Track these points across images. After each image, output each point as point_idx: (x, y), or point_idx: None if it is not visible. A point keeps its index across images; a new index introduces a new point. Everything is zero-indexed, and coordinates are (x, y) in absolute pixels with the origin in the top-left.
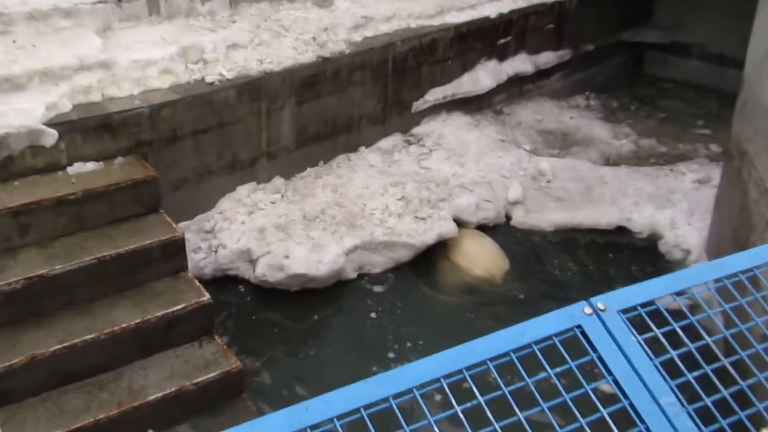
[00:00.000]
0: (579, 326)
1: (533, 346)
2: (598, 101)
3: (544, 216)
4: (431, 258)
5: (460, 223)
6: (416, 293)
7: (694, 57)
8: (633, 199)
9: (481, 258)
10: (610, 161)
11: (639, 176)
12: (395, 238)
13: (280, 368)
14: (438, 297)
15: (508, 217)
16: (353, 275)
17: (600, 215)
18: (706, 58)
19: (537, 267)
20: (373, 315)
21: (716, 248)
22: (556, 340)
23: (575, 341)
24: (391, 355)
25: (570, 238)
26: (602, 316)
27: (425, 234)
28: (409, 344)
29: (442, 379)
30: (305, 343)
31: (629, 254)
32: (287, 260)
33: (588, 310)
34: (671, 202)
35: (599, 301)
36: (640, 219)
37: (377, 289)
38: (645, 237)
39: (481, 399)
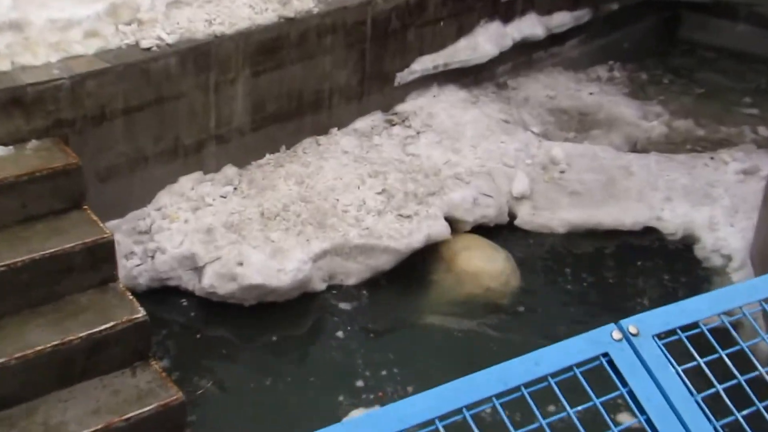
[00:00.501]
0: (606, 354)
1: (549, 379)
2: (623, 73)
3: (557, 214)
4: (418, 266)
5: (453, 223)
6: (398, 310)
7: (741, 20)
8: (664, 193)
9: (480, 266)
10: (638, 147)
11: (672, 166)
12: (374, 241)
13: (229, 400)
14: (425, 315)
15: (512, 216)
16: (322, 287)
17: (624, 213)
18: (755, 22)
19: (549, 278)
20: (341, 335)
21: (763, 254)
22: (577, 371)
23: (600, 373)
24: (359, 383)
25: (588, 242)
26: (634, 342)
27: (411, 236)
28: (383, 372)
29: (437, 421)
30: (261, 369)
31: (659, 261)
32: (241, 268)
33: (617, 334)
34: (710, 198)
35: (630, 324)
36: (673, 218)
37: (350, 304)
38: (678, 240)
39: None
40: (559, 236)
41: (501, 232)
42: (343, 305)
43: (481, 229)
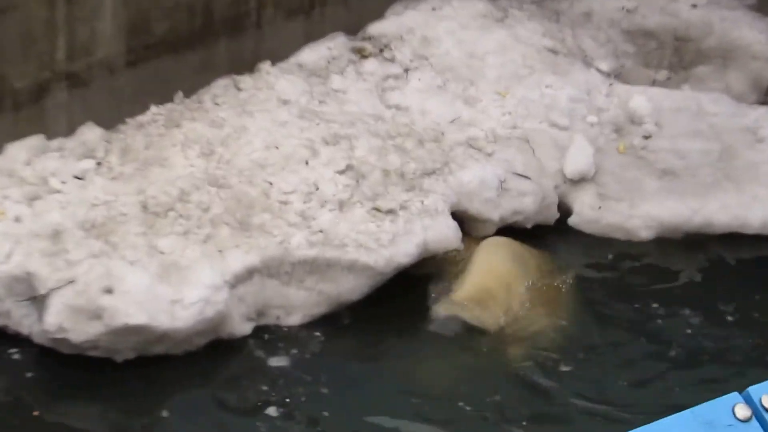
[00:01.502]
0: None
1: None
2: None
3: (638, 207)
4: (406, 296)
5: (467, 222)
6: (373, 370)
7: None
8: None
9: (510, 295)
10: None
11: None
12: (332, 252)
13: None
14: (419, 380)
15: (565, 211)
16: (245, 329)
17: (749, 206)
18: None
19: (624, 313)
20: (274, 413)
21: None
22: None
23: None
24: None
25: (690, 254)
26: None
27: (394, 244)
28: None
29: None
30: None
31: None
32: (109, 298)
33: (742, 410)
34: None
35: (765, 394)
36: None
37: (291, 359)
38: None
39: None
40: (643, 245)
41: (545, 237)
42: (280, 361)
43: (514, 233)
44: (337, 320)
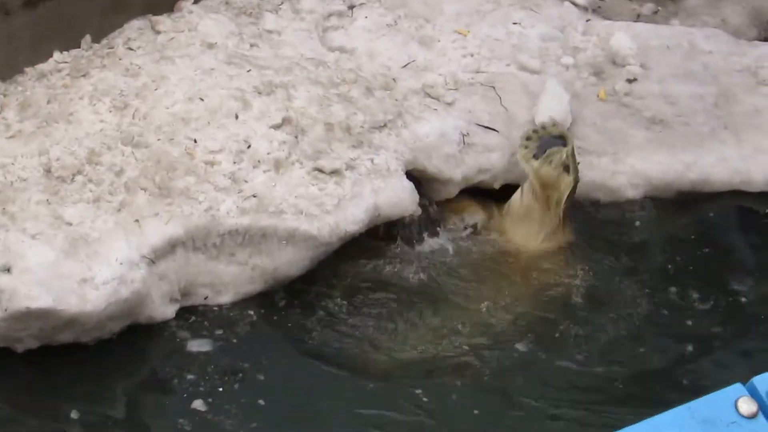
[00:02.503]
0: None
1: None
2: None
3: (623, 162)
4: (356, 270)
5: (425, 183)
6: (318, 354)
7: None
8: None
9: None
10: None
11: None
12: (268, 219)
13: None
14: (361, 359)
15: None
16: (168, 311)
17: (750, 159)
18: None
19: (607, 288)
20: (201, 407)
21: None
22: None
23: None
24: None
25: (683, 215)
26: None
27: (340, 209)
28: None
29: None
30: None
31: None
32: (7, 278)
33: (748, 405)
34: None
35: None
36: None
37: (221, 344)
38: None
39: None
40: (629, 205)
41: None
42: (209, 347)
43: (479, 194)
44: (271, 301)
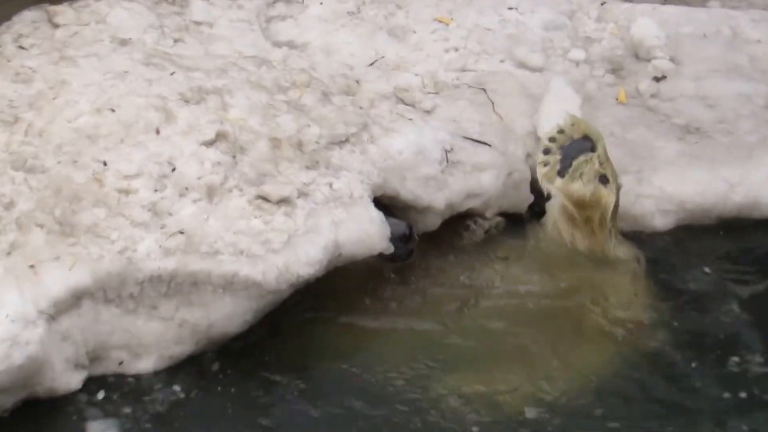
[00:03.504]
0: None
1: None
2: None
3: (650, 182)
4: (316, 322)
5: (399, 213)
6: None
7: None
8: None
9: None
10: None
11: None
12: (199, 262)
13: None
14: None
15: (542, 191)
16: (73, 381)
17: None
18: None
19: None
20: None
21: None
22: None
23: None
24: None
25: (730, 249)
26: None
27: (291, 248)
28: None
29: None
30: None
31: None
32: None
33: None
34: None
35: None
36: None
37: (132, 425)
38: None
39: None
40: (658, 238)
41: (514, 231)
42: (122, 428)
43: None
44: (205, 369)
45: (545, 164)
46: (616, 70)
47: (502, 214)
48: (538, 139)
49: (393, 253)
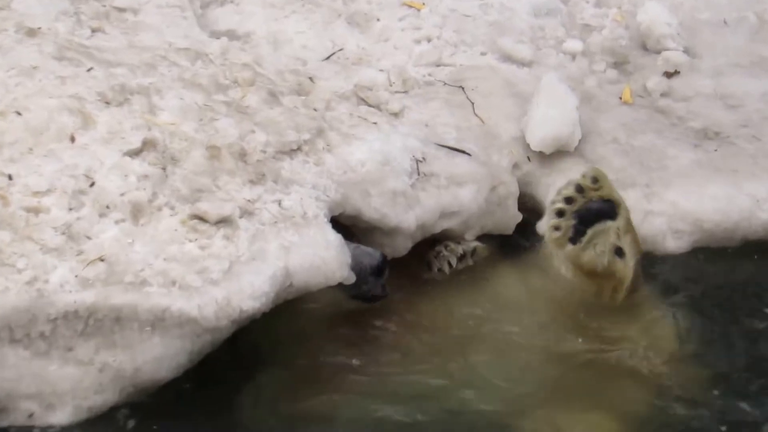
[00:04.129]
0: None
1: None
2: None
3: (661, 197)
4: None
5: (363, 236)
6: None
7: None
8: None
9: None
10: None
11: None
12: (123, 294)
13: None
14: None
15: (533, 208)
16: None
17: None
18: None
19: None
20: None
21: None
22: None
23: None
24: None
25: (757, 276)
26: None
27: (232, 277)
28: None
29: None
30: None
31: None
32: None
33: None
34: None
35: None
36: None
37: None
38: None
39: None
40: (670, 262)
41: (502, 257)
42: None
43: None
44: (123, 420)
45: (556, 228)
46: (619, 64)
47: (486, 236)
48: (526, 146)
49: (368, 291)
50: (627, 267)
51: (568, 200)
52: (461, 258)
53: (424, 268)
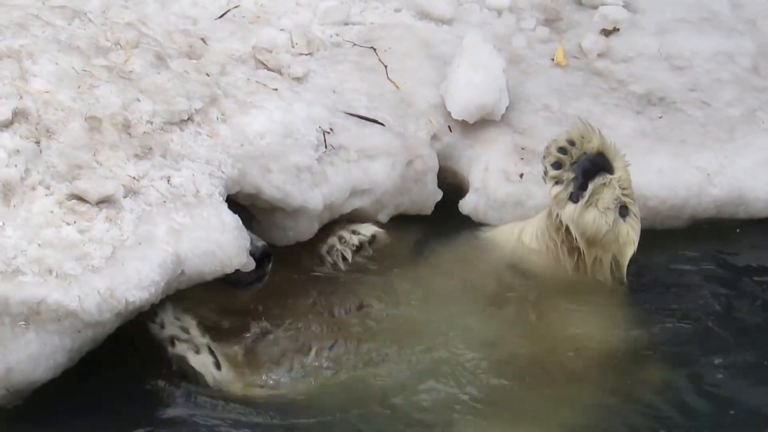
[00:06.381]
0: None
1: None
2: None
3: None
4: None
5: (260, 215)
6: None
7: None
8: None
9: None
10: None
11: None
12: None
13: None
14: None
15: (454, 185)
16: None
17: None
18: None
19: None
20: None
21: None
22: None
23: None
24: None
25: (706, 260)
26: None
27: (115, 264)
28: None
29: None
30: None
31: None
32: None
33: None
34: None
35: None
36: None
37: None
38: None
39: None
40: None
41: (419, 233)
42: None
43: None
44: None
45: (557, 182)
46: (551, 21)
47: (401, 216)
48: (447, 114)
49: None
50: (633, 230)
51: (562, 150)
52: (358, 250)
53: (317, 262)
